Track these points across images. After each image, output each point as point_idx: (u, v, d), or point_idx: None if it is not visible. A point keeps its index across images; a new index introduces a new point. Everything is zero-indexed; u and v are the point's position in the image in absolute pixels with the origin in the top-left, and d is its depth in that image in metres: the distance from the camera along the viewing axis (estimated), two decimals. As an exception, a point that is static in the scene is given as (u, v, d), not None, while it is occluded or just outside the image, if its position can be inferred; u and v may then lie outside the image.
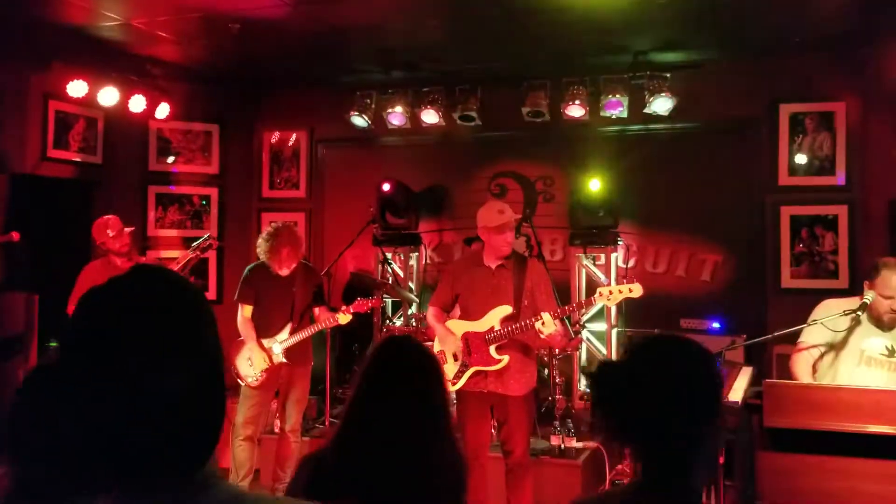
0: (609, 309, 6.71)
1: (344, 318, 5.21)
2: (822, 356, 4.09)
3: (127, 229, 5.57)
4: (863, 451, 3.37)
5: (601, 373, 1.73)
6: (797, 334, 4.12)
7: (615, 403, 1.66)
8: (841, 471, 3.41)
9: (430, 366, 2.12)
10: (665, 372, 1.64)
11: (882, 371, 3.92)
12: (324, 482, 1.98)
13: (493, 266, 4.50)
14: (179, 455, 1.10)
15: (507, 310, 4.39)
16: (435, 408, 2.05)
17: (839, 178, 6.36)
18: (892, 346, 3.92)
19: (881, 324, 3.93)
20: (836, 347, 4.05)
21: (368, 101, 7.20)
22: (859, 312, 3.91)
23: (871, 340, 3.95)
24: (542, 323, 4.17)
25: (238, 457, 5.20)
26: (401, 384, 2.04)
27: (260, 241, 5.24)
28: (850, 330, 3.98)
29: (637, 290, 4.19)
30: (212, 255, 7.38)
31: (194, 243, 5.72)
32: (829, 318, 3.98)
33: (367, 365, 2.12)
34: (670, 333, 1.78)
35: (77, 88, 6.33)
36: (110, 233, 5.48)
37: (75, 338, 1.08)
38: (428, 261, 7.62)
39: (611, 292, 4.20)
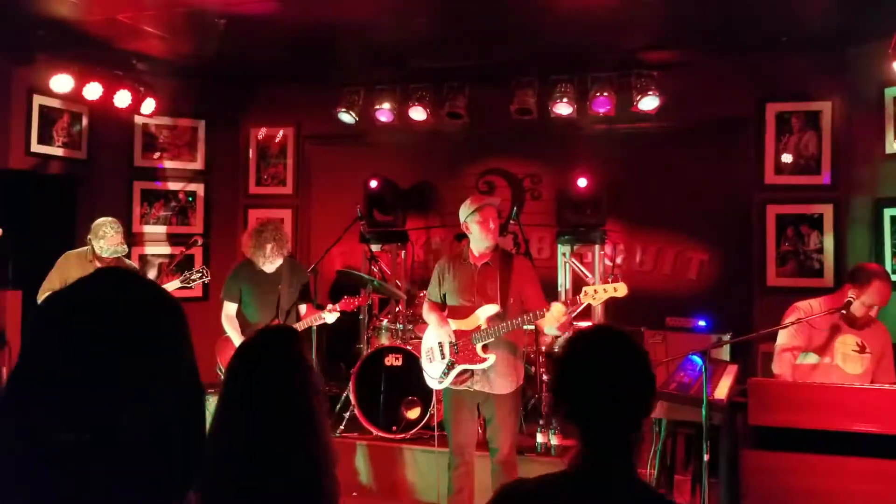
0: (594, 307, 6.71)
1: (330, 317, 5.19)
2: (798, 356, 4.16)
3: (118, 235, 5.36)
4: (847, 449, 3.39)
5: (560, 362, 1.84)
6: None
7: (571, 389, 1.78)
8: (825, 469, 3.42)
9: (296, 365, 2.10)
10: (617, 359, 1.77)
11: (854, 366, 4.02)
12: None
13: (479, 264, 4.49)
14: (153, 491, 0.97)
15: (493, 308, 4.38)
16: (299, 410, 2.04)
17: (825, 177, 6.39)
18: (862, 342, 4.02)
19: (854, 323, 4.03)
20: (811, 347, 4.13)
21: (356, 97, 7.18)
22: (843, 311, 3.97)
23: (843, 337, 4.05)
24: (551, 310, 4.15)
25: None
26: (261, 382, 2.02)
27: (245, 237, 5.24)
28: (830, 329, 4.08)
29: (622, 290, 4.14)
30: (198, 252, 7.34)
31: (186, 276, 5.56)
32: (815, 316, 4.03)
33: (232, 360, 2.10)
34: (609, 325, 1.89)
35: (61, 83, 6.28)
36: (104, 244, 5.35)
37: (34, 351, 0.96)
38: (415, 258, 7.61)
39: (595, 291, 4.17)
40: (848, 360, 4.05)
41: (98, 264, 5.37)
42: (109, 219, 5.39)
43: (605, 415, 1.73)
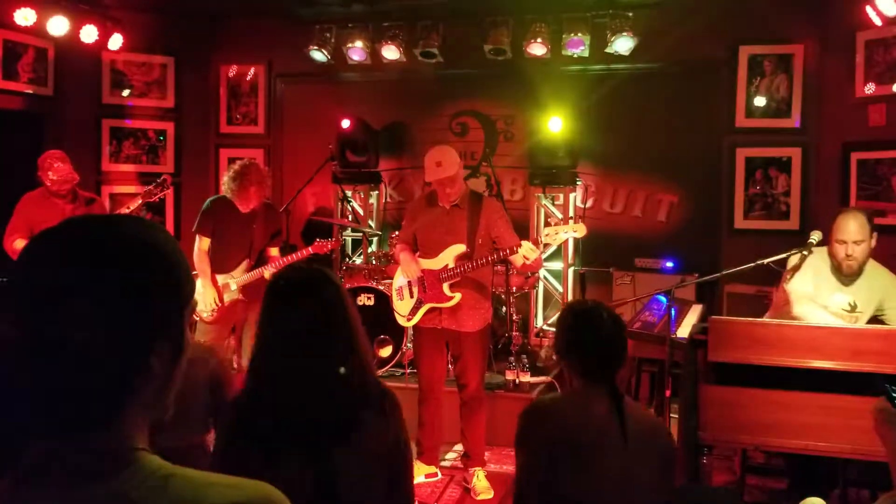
0: (566, 248, 6.80)
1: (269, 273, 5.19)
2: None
3: (59, 164, 5.28)
4: (801, 384, 3.51)
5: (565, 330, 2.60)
6: (747, 273, 4.18)
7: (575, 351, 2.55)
8: (778, 403, 3.54)
9: (331, 288, 2.16)
10: (609, 331, 2.52)
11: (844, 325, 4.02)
12: (247, 421, 2.05)
13: (448, 205, 4.53)
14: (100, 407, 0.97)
15: (461, 248, 4.43)
16: (335, 327, 2.10)
17: (795, 120, 6.44)
18: (853, 302, 4.00)
19: (841, 274, 4.00)
20: (812, 300, 4.12)
21: (328, 35, 7.07)
22: (805, 252, 4.01)
23: (834, 297, 4.04)
24: (522, 247, 4.22)
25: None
26: (299, 308, 2.09)
27: (226, 178, 5.17)
28: (820, 285, 4.06)
29: (581, 231, 4.23)
30: (168, 191, 7.28)
31: (148, 190, 5.51)
32: (776, 258, 4.08)
33: (269, 295, 2.16)
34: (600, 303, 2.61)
35: (25, 16, 6.12)
36: (51, 174, 5.30)
37: (25, 285, 0.98)
38: (388, 199, 7.61)
39: (556, 232, 4.24)
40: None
41: (57, 200, 5.33)
42: (54, 151, 5.34)
43: (599, 370, 2.48)
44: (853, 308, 3.99)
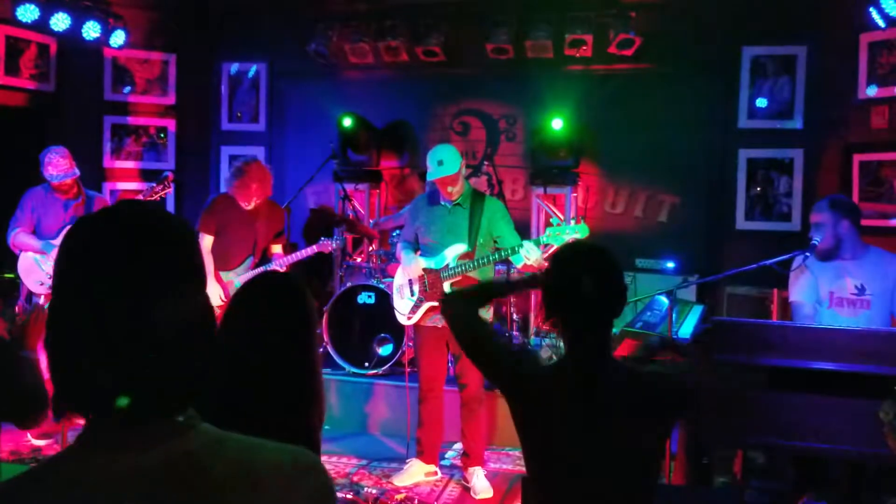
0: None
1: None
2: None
3: (60, 159, 5.25)
4: (803, 386, 3.50)
5: (550, 272, 2.17)
6: (748, 275, 4.18)
7: (560, 298, 2.11)
8: (781, 405, 3.53)
9: (292, 300, 2.17)
10: (598, 273, 2.09)
11: (848, 310, 4.01)
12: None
13: (450, 204, 4.52)
14: (177, 393, 1.06)
15: (462, 247, 4.43)
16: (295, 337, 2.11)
17: (797, 122, 6.45)
18: (860, 285, 4.01)
19: (825, 256, 4.02)
20: (821, 297, 4.11)
21: (330, 33, 7.06)
22: (808, 254, 4.01)
23: (839, 282, 4.03)
24: (523, 247, 4.23)
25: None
26: (260, 316, 2.11)
27: (228, 175, 5.18)
28: (815, 276, 4.06)
29: (583, 231, 4.22)
30: (170, 189, 7.27)
31: (149, 188, 5.48)
32: (778, 259, 4.07)
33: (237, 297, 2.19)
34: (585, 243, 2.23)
35: (27, 12, 6.11)
36: (52, 169, 5.27)
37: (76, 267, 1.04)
38: (389, 198, 7.60)
39: (558, 233, 4.23)
40: (843, 306, 4.00)
41: (59, 195, 5.32)
42: (55, 146, 5.32)
43: (588, 318, 2.08)
44: (862, 290, 3.98)
